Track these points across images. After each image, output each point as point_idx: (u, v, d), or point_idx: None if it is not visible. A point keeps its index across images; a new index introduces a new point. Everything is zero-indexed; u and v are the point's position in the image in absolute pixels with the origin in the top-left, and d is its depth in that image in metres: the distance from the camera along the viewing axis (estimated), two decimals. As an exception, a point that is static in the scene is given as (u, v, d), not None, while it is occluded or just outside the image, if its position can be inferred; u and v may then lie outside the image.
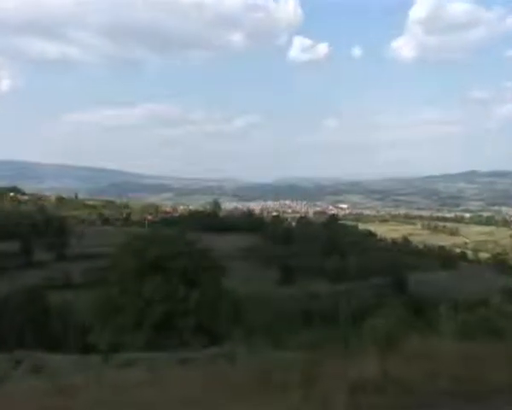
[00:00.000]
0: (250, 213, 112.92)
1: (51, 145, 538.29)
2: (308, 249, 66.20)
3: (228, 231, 79.16)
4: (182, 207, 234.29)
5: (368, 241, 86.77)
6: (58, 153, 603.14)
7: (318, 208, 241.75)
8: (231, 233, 77.84)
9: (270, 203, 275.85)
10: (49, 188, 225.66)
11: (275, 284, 52.37)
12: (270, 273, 55.65)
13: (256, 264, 60.23)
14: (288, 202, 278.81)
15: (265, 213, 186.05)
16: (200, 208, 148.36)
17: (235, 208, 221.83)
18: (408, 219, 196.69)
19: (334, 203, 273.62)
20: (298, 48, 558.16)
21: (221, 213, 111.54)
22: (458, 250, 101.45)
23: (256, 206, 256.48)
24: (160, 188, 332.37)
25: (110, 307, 18.81)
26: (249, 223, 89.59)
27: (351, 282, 50.56)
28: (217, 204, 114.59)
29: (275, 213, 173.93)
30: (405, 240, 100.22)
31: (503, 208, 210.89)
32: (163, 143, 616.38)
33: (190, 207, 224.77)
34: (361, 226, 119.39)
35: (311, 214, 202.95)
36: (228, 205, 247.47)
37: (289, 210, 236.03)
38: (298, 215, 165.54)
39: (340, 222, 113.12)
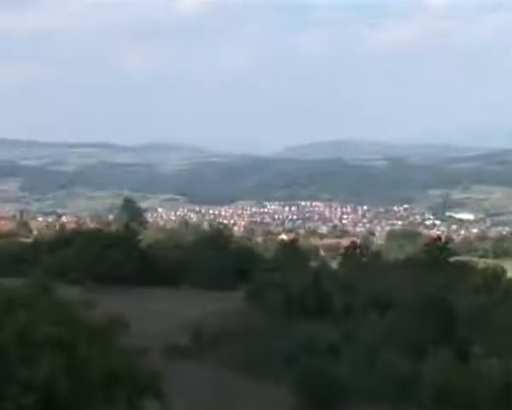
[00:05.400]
0: (221, 236, 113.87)
1: None
2: (374, 332, 66.53)
3: (166, 283, 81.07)
4: (42, 220, 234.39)
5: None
6: None
7: (399, 222, 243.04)
8: (173, 288, 79.81)
9: (271, 209, 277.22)
10: None
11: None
12: (276, 394, 55.87)
13: (237, 370, 60.60)
14: (317, 206, 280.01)
15: (258, 236, 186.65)
16: (92, 223, 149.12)
17: (182, 221, 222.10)
18: None
19: (442, 209, 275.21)
20: None
21: (145, 237, 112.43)
22: None
23: (233, 213, 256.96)
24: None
25: None
26: (217, 262, 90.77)
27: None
28: (134, 211, 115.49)
29: (284, 236, 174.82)
30: None
31: None
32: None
33: (64, 219, 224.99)
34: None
35: (379, 237, 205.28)
36: (164, 214, 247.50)
37: (324, 227, 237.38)
38: (346, 240, 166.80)
39: (455, 259, 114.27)
